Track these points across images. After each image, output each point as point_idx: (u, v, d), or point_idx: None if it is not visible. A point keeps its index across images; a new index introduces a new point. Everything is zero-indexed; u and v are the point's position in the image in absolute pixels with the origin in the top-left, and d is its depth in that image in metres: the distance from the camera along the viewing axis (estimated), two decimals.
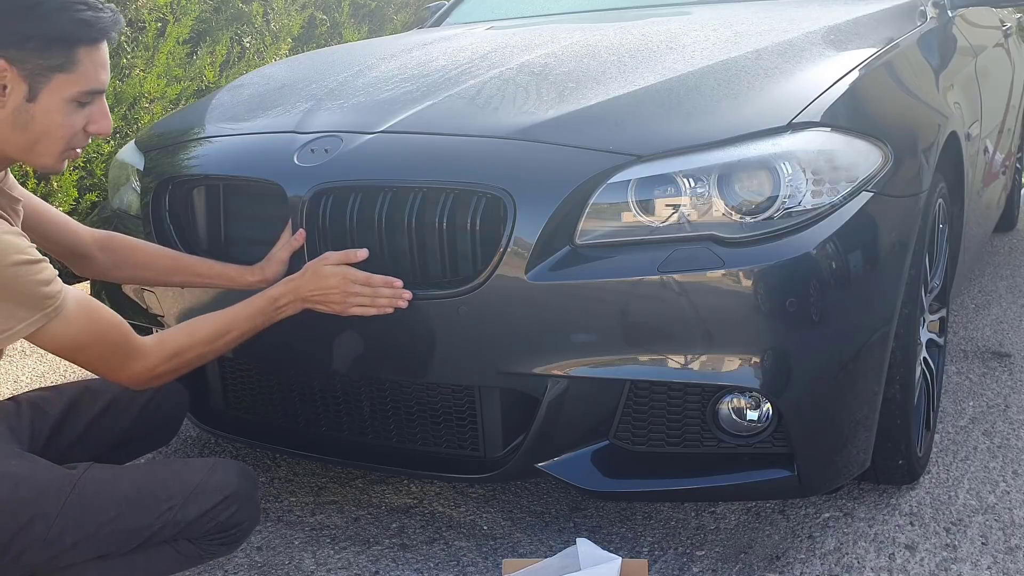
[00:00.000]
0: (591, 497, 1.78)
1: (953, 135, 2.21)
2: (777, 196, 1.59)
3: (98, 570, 1.42)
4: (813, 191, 1.61)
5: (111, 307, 1.60)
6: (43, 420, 1.64)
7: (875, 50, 2.03)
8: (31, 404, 1.65)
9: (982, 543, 1.82)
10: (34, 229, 1.59)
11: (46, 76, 1.34)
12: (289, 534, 1.95)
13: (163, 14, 4.37)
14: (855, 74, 1.87)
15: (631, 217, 1.61)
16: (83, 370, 3.02)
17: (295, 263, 1.75)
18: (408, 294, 1.65)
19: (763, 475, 1.65)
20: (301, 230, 1.74)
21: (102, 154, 4.07)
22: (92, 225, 1.92)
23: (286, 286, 1.65)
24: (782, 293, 1.54)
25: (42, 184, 3.86)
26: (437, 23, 3.47)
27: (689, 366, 1.57)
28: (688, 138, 1.66)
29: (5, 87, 1.33)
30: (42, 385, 2.92)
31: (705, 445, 1.68)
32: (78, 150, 1.44)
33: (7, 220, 1.37)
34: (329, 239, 1.73)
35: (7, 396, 2.79)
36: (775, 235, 1.57)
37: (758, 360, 1.55)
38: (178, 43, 4.39)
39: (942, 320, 2.28)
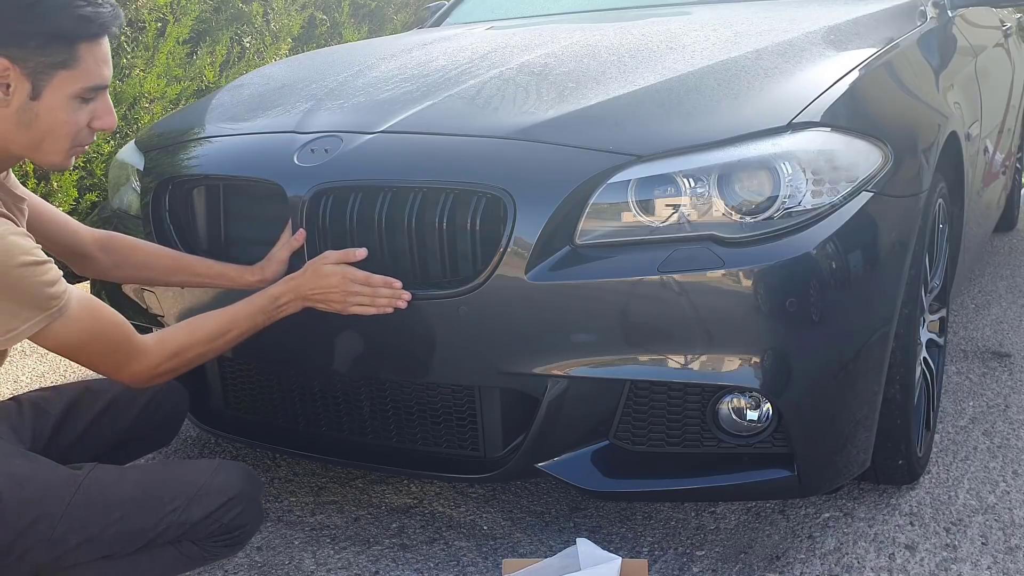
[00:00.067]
0: (591, 497, 1.78)
1: (953, 135, 2.21)
2: (777, 196, 1.59)
3: (101, 571, 1.43)
4: (813, 191, 1.61)
5: (111, 307, 1.60)
6: (44, 420, 1.64)
7: (875, 50, 2.03)
8: (32, 404, 1.65)
9: (982, 543, 1.82)
10: (36, 229, 1.59)
11: (48, 74, 1.34)
12: (289, 534, 1.95)
13: (163, 14, 4.37)
14: (855, 74, 1.87)
15: (631, 217, 1.61)
16: (84, 370, 3.02)
17: (295, 263, 1.75)
18: (407, 295, 1.65)
19: (763, 475, 1.65)
20: (301, 230, 1.74)
21: (102, 154, 4.07)
22: (92, 225, 1.92)
23: (287, 285, 1.65)
24: (782, 293, 1.54)
25: (42, 184, 3.87)
26: (437, 23, 3.47)
27: (689, 366, 1.57)
28: (688, 138, 1.66)
29: (9, 86, 1.33)
30: (42, 385, 2.92)
31: (705, 445, 1.68)
32: (85, 146, 1.44)
33: (12, 220, 1.37)
34: (329, 239, 1.73)
35: (7, 396, 2.79)
36: (775, 235, 1.57)
37: (758, 360, 1.55)
38: (178, 43, 4.39)
39: (942, 320, 2.28)
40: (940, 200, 2.08)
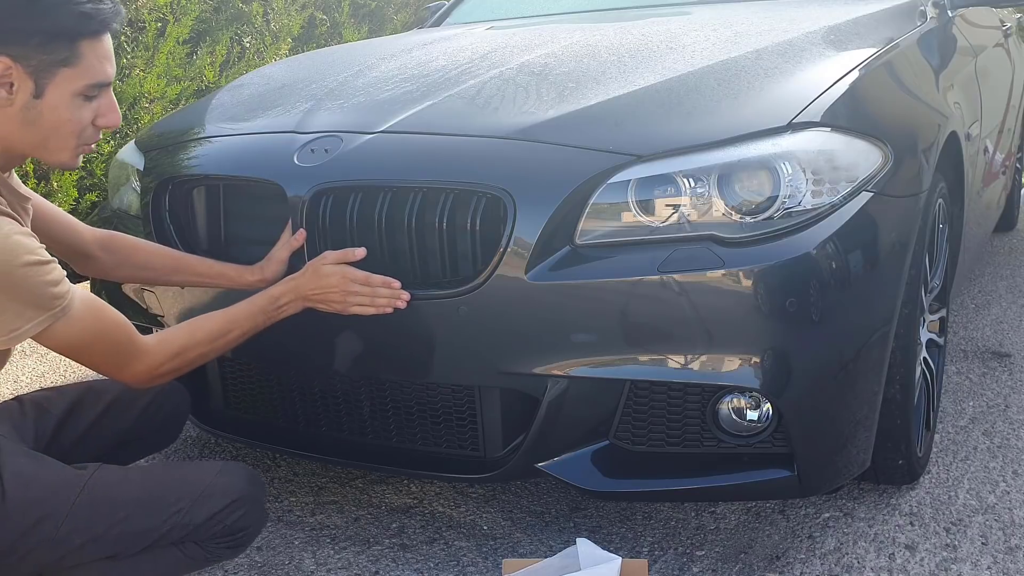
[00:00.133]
0: (591, 497, 1.78)
1: (953, 135, 2.21)
2: (777, 196, 1.59)
3: (105, 571, 1.43)
4: (813, 191, 1.61)
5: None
6: (46, 419, 1.64)
7: (875, 50, 2.03)
8: (34, 404, 1.65)
9: (982, 543, 1.82)
10: (39, 228, 1.59)
11: (50, 72, 1.34)
12: (289, 534, 1.95)
13: (163, 14, 4.37)
14: (855, 74, 1.87)
15: (631, 217, 1.61)
16: (83, 370, 3.02)
17: (295, 263, 1.75)
18: (406, 295, 1.65)
19: (763, 475, 1.65)
20: (301, 230, 1.74)
21: (102, 154, 4.07)
22: (92, 225, 1.93)
23: (287, 285, 1.66)
24: (782, 293, 1.54)
25: (42, 184, 3.87)
26: (437, 23, 3.47)
27: (689, 366, 1.57)
28: (688, 138, 1.66)
29: (12, 84, 1.33)
30: (42, 385, 2.93)
31: (705, 445, 1.68)
32: (91, 145, 1.44)
33: (17, 220, 1.37)
34: (329, 239, 1.73)
35: (8, 396, 2.79)
36: (775, 235, 1.57)
37: (758, 360, 1.55)
38: (178, 43, 4.39)
39: (942, 320, 2.28)
40: (940, 200, 2.08)
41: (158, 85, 4.26)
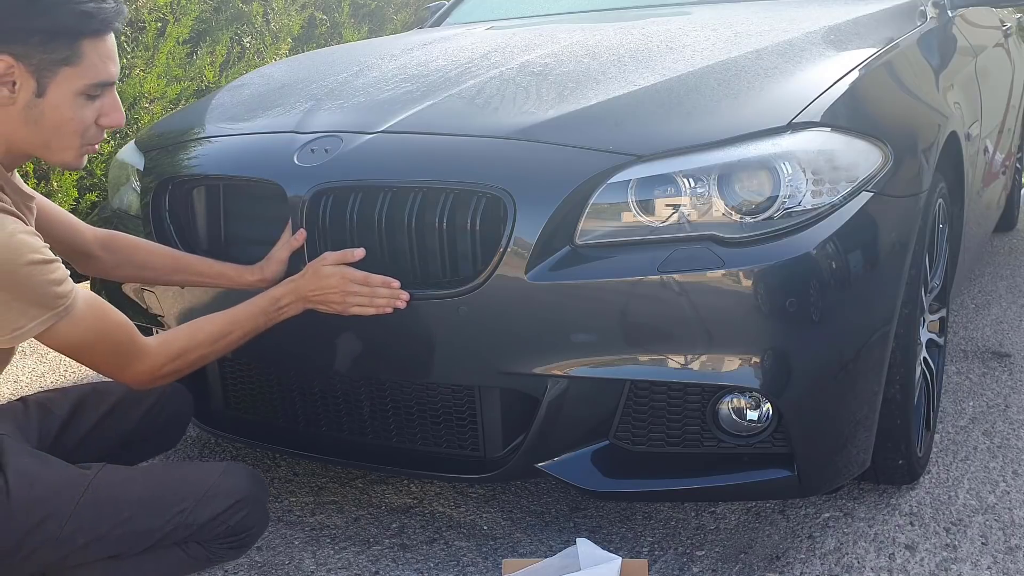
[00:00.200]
0: (591, 497, 1.78)
1: (953, 135, 2.21)
2: (777, 196, 1.59)
3: (108, 570, 1.43)
4: (813, 191, 1.61)
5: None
6: (50, 420, 1.64)
7: (875, 50, 2.03)
8: (38, 405, 1.66)
9: (982, 543, 1.82)
10: (42, 227, 1.59)
11: (52, 70, 1.34)
12: (289, 534, 1.95)
13: (163, 14, 4.37)
14: (855, 74, 1.87)
15: (631, 217, 1.61)
16: (84, 370, 3.02)
17: (295, 263, 1.75)
18: (405, 295, 1.65)
19: (763, 475, 1.65)
20: (301, 230, 1.74)
21: (102, 154, 4.07)
22: (92, 225, 1.93)
23: (287, 286, 1.66)
24: (782, 293, 1.54)
25: (42, 184, 3.87)
26: (437, 23, 3.47)
27: (689, 366, 1.57)
28: (688, 138, 1.66)
29: (14, 83, 1.33)
30: (42, 384, 2.93)
31: (705, 445, 1.68)
32: (96, 145, 1.44)
33: (22, 219, 1.37)
34: (329, 239, 1.73)
35: (7, 396, 2.79)
36: (775, 235, 1.57)
37: (758, 360, 1.55)
38: (178, 43, 4.39)
39: (942, 320, 2.28)
40: (940, 200, 2.08)
41: (158, 85, 4.26)
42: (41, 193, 3.92)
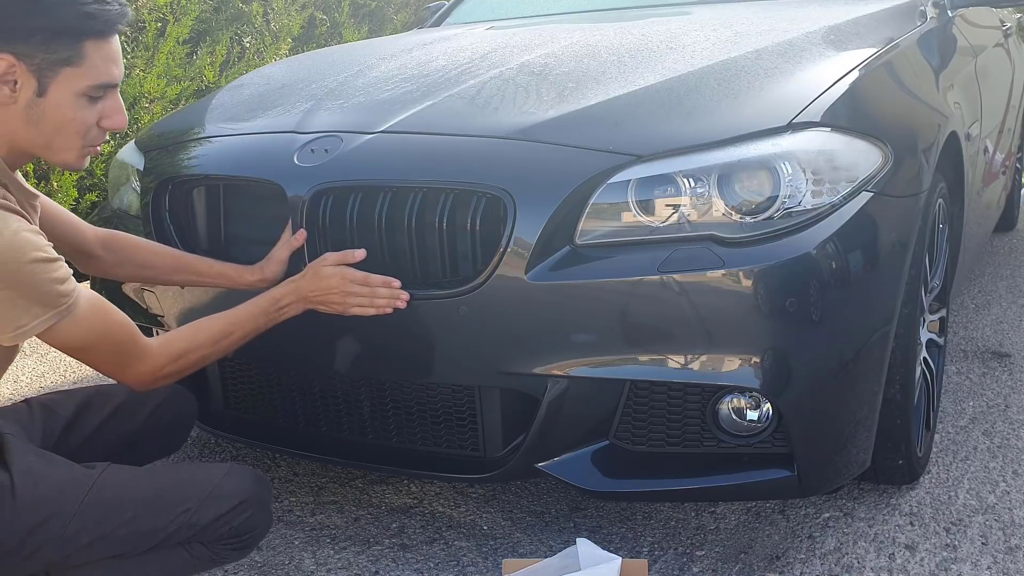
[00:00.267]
0: (591, 497, 1.78)
1: (953, 135, 2.21)
2: (777, 196, 1.59)
3: (111, 570, 1.43)
4: (813, 191, 1.61)
5: None
6: (54, 421, 1.64)
7: (875, 50, 2.03)
8: (42, 406, 1.66)
9: (982, 543, 1.82)
10: (44, 226, 1.59)
11: (53, 70, 1.34)
12: (289, 534, 1.95)
13: (163, 14, 4.37)
14: (855, 74, 1.87)
15: (631, 217, 1.61)
16: (84, 370, 3.02)
17: (295, 263, 1.75)
18: (405, 295, 1.65)
19: (763, 475, 1.65)
20: (301, 230, 1.74)
21: (102, 154, 4.07)
22: (93, 224, 1.93)
23: (288, 287, 1.66)
24: (782, 293, 1.54)
25: (42, 184, 3.87)
26: (437, 23, 3.47)
27: (689, 366, 1.57)
28: (688, 138, 1.66)
29: (16, 82, 1.33)
30: (42, 385, 2.93)
31: (705, 445, 1.68)
32: (97, 146, 1.44)
33: (26, 217, 1.37)
34: (329, 239, 1.73)
35: (8, 396, 2.79)
36: (775, 235, 1.57)
37: (758, 360, 1.55)
38: (178, 43, 4.39)
39: (942, 320, 2.28)
40: (940, 200, 2.08)
41: (158, 85, 4.26)
42: (42, 192, 3.92)
